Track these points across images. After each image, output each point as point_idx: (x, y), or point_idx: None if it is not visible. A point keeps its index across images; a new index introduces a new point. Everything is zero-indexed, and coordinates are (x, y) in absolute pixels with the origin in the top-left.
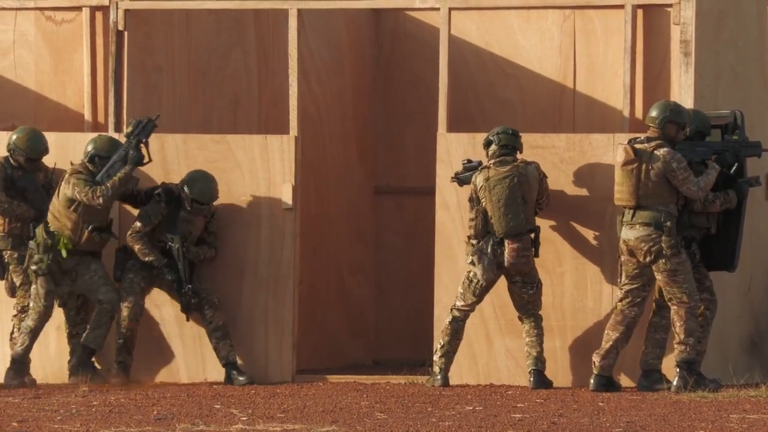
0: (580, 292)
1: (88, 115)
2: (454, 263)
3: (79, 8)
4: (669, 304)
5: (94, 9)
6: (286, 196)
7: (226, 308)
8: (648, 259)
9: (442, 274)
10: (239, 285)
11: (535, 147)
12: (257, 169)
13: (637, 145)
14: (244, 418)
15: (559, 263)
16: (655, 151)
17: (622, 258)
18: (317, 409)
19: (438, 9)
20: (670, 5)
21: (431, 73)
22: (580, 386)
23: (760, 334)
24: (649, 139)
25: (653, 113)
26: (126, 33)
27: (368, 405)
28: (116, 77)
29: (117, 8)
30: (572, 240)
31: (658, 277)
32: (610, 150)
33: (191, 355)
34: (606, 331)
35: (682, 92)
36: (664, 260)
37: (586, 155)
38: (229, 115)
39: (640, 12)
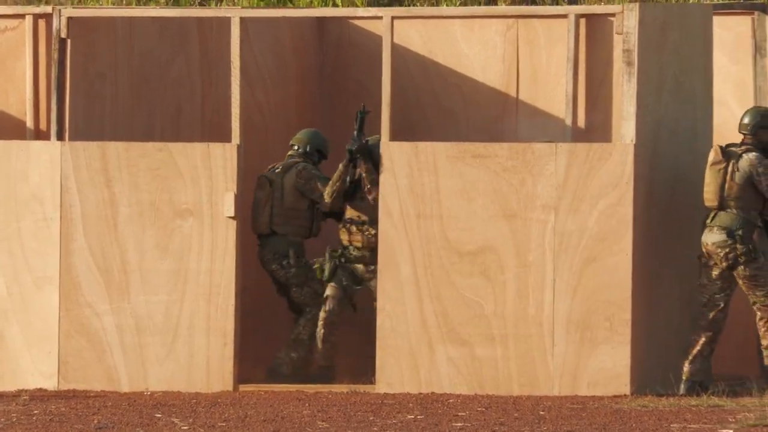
0: (522, 300)
1: (30, 123)
2: (397, 271)
3: (22, 16)
4: (754, 308)
5: (37, 17)
6: (228, 205)
7: (168, 317)
8: (725, 264)
9: (386, 282)
10: (181, 293)
11: (478, 156)
12: (199, 177)
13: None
14: (185, 428)
15: (501, 271)
16: (743, 155)
17: (703, 260)
18: (258, 418)
19: (381, 18)
20: (613, 14)
21: (374, 82)
22: (522, 394)
23: None
24: (743, 145)
25: (745, 120)
26: (69, 40)
27: (310, 414)
28: (59, 84)
29: (60, 16)
30: (514, 248)
31: (739, 282)
32: (552, 159)
33: (132, 364)
34: (692, 336)
35: (625, 101)
36: (742, 267)
37: (528, 164)
38: (172, 123)
39: (583, 21)
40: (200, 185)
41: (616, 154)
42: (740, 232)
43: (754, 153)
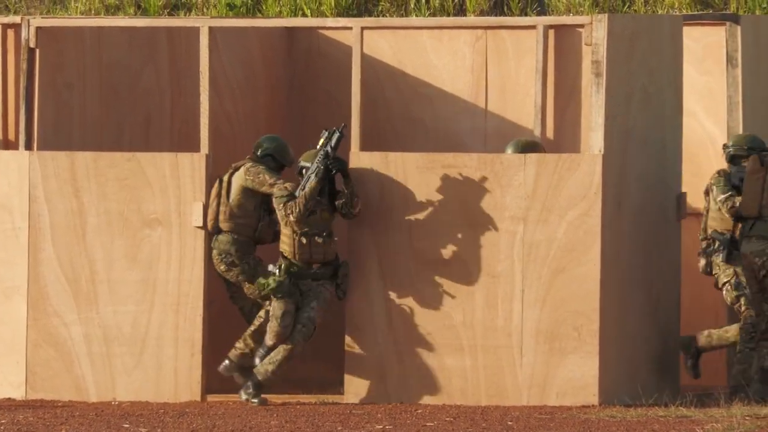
0: (490, 310)
1: None
2: (365, 281)
3: None
4: None
5: (5, 26)
6: (197, 215)
7: (136, 327)
8: (762, 273)
9: (354, 293)
10: (149, 303)
11: (447, 166)
12: (168, 186)
13: None
14: None
15: (469, 282)
16: None
17: (746, 271)
18: (226, 428)
19: (351, 28)
20: (582, 26)
21: (344, 92)
22: (490, 405)
23: (668, 353)
24: None
25: None
26: (37, 50)
27: (278, 424)
28: (27, 94)
29: (29, 26)
30: (483, 258)
31: None
32: (521, 170)
33: (100, 374)
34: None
35: (594, 112)
36: None
37: (497, 175)
38: (141, 133)
39: (551, 32)
40: (169, 195)
41: (584, 164)
42: None
43: None
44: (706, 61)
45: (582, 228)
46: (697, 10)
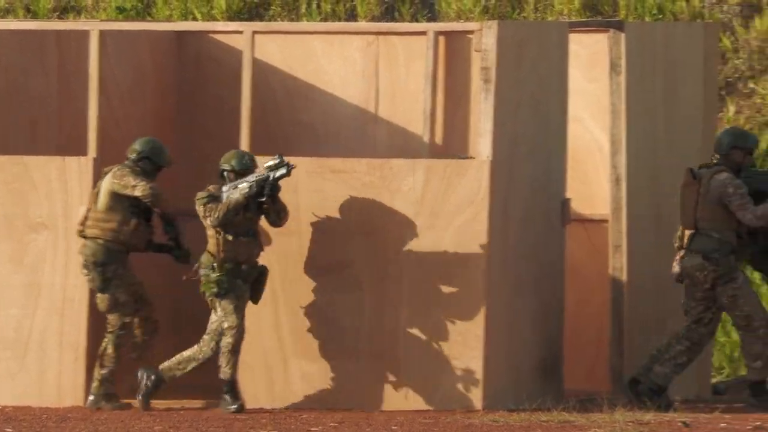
0: (377, 315)
1: None
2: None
3: None
4: (735, 328)
5: None
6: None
7: (20, 331)
8: (707, 286)
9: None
10: (33, 307)
11: (337, 171)
12: (54, 190)
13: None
14: None
15: (358, 287)
16: (715, 176)
17: (685, 283)
18: None
19: (241, 32)
20: (472, 32)
21: (234, 97)
22: (376, 410)
23: (553, 358)
24: (715, 166)
25: (718, 140)
26: None
27: (161, 429)
28: None
29: None
30: (372, 263)
31: (721, 301)
32: (410, 175)
33: None
34: (674, 343)
35: (482, 118)
36: (721, 287)
37: (386, 180)
38: (29, 137)
39: (442, 38)
40: (55, 199)
41: (472, 170)
42: (716, 255)
43: (725, 173)
44: (594, 68)
45: (469, 233)
46: (587, 17)
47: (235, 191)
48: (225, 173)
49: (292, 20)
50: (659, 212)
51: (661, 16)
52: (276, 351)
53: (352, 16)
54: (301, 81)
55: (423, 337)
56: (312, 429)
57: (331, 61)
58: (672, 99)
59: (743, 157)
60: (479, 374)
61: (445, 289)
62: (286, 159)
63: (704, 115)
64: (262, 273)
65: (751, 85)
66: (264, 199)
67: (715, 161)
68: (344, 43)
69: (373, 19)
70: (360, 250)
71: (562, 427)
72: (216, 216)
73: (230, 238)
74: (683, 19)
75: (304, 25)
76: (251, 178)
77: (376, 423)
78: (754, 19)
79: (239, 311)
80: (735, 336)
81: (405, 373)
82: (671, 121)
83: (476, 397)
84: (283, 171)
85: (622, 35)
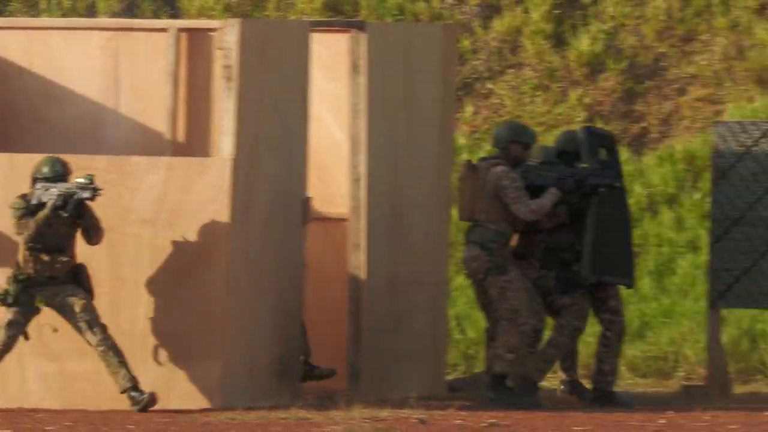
0: (115, 314)
1: None
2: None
3: None
4: (499, 318)
5: None
6: None
7: None
8: (479, 277)
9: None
10: None
11: (76, 168)
12: None
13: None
14: None
15: (96, 285)
16: (491, 168)
17: (465, 272)
18: None
19: None
20: (214, 30)
21: None
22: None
23: (289, 356)
24: (493, 159)
25: (496, 134)
26: None
27: None
28: None
29: None
30: (110, 262)
31: (491, 293)
32: (152, 172)
33: None
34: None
35: (225, 117)
36: (492, 278)
37: (126, 177)
38: None
39: (184, 35)
40: None
41: (214, 168)
42: (492, 245)
43: (501, 166)
44: (335, 68)
45: (211, 232)
46: (329, 17)
47: (45, 194)
48: (37, 180)
49: (32, 16)
50: (399, 212)
51: (402, 17)
52: (12, 350)
53: (92, 12)
54: (40, 76)
55: (162, 336)
56: (47, 428)
57: (71, 56)
58: (412, 99)
59: (521, 151)
60: (217, 372)
61: (186, 288)
62: (95, 183)
63: (441, 116)
64: (77, 272)
65: (489, 86)
66: (66, 215)
67: (494, 155)
68: (85, 39)
69: (114, 15)
70: (98, 248)
71: (300, 424)
72: (28, 234)
73: (28, 254)
74: (424, 20)
75: (43, 20)
76: (62, 187)
77: (113, 422)
78: (494, 20)
79: (12, 326)
80: (471, 334)
81: (143, 372)
82: (411, 121)
83: (214, 395)
84: (87, 195)
85: (363, 36)
